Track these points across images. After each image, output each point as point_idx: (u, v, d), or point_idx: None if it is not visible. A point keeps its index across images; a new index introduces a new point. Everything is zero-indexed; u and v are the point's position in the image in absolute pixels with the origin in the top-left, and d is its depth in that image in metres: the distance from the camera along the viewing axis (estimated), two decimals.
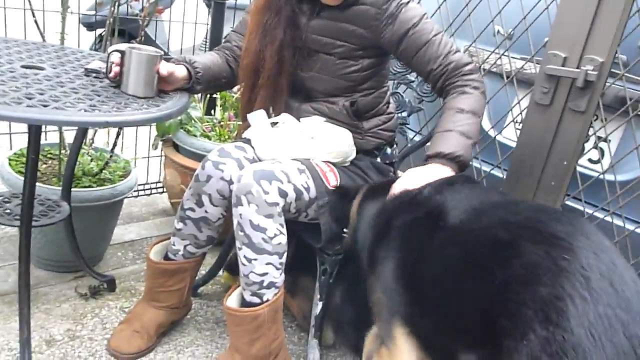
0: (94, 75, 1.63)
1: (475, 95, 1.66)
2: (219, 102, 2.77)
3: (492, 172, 2.14)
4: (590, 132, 1.82)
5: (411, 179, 1.52)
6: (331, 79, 1.79)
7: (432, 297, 1.27)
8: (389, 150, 1.94)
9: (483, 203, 1.35)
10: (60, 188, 1.96)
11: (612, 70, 1.67)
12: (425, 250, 1.31)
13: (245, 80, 1.84)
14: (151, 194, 2.90)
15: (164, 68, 1.61)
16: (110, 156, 2.24)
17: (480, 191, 1.48)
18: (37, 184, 1.96)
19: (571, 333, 0.97)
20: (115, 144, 2.27)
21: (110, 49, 1.61)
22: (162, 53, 1.62)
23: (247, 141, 1.80)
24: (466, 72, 1.69)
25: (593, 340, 0.96)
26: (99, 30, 3.37)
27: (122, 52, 1.57)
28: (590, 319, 0.98)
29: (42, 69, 1.57)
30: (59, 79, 1.51)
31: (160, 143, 2.64)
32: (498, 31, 2.12)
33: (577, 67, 1.66)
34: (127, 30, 3.68)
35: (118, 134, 2.28)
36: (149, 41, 3.81)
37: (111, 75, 1.59)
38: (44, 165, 2.21)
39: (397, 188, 1.53)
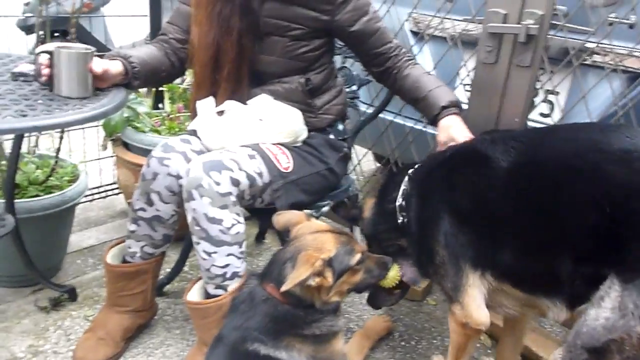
0: (22, 79, 1.54)
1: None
2: (166, 95, 2.69)
3: None
4: (539, 86, 1.81)
5: (460, 134, 1.64)
6: (285, 61, 1.75)
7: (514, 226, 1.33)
8: (340, 126, 1.91)
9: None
10: (3, 201, 1.88)
11: (553, 22, 1.66)
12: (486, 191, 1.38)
13: (205, 75, 1.76)
14: (107, 196, 2.81)
15: (97, 65, 1.53)
16: (56, 162, 2.15)
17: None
18: None
19: None
20: (59, 149, 2.18)
21: (37, 50, 1.53)
22: (94, 50, 1.54)
23: (193, 133, 1.74)
24: (409, 55, 1.86)
25: None
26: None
27: (51, 53, 1.48)
28: None
29: None
30: None
31: (110, 143, 2.55)
32: None
33: (518, 23, 1.64)
34: (64, 29, 3.53)
35: (61, 138, 2.19)
36: (87, 38, 3.67)
37: (42, 78, 1.51)
38: None
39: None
